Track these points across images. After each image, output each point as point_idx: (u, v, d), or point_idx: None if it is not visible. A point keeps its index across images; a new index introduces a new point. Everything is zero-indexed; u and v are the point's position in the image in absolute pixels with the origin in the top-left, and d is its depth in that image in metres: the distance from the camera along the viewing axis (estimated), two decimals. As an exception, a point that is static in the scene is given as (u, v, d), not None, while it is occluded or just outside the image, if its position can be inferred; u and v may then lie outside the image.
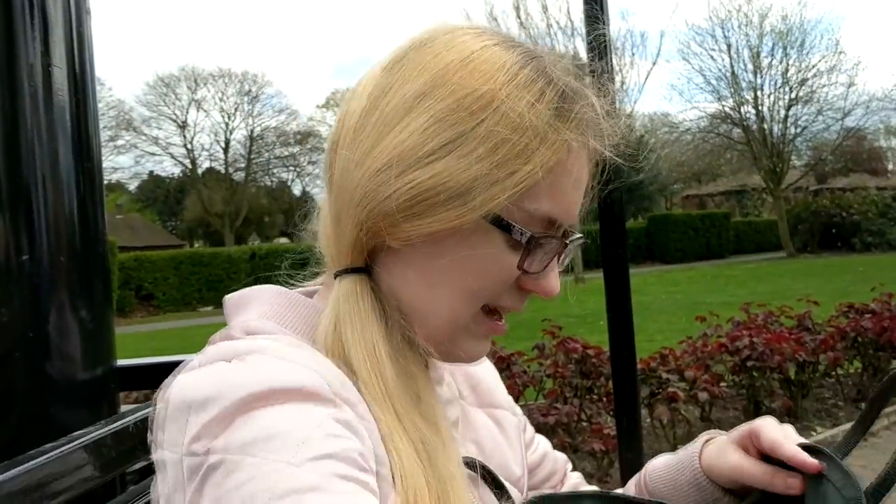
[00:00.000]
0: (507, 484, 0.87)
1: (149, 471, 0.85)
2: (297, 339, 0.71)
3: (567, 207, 0.75)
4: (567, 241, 0.77)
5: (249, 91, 46.76)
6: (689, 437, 4.71)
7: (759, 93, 32.90)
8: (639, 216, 38.44)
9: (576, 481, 1.10)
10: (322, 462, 0.56)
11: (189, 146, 47.01)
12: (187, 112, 46.05)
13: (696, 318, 7.18)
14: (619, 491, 1.08)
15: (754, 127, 32.82)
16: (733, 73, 33.36)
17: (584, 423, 4.88)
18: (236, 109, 47.29)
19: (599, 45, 1.81)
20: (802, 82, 32.69)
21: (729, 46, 33.30)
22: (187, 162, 47.68)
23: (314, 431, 0.58)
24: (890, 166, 48.58)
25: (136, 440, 0.85)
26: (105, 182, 1.14)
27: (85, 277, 1.00)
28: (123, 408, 1.07)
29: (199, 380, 0.61)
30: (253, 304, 0.76)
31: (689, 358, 5.79)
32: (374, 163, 0.72)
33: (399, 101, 0.73)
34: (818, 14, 52.03)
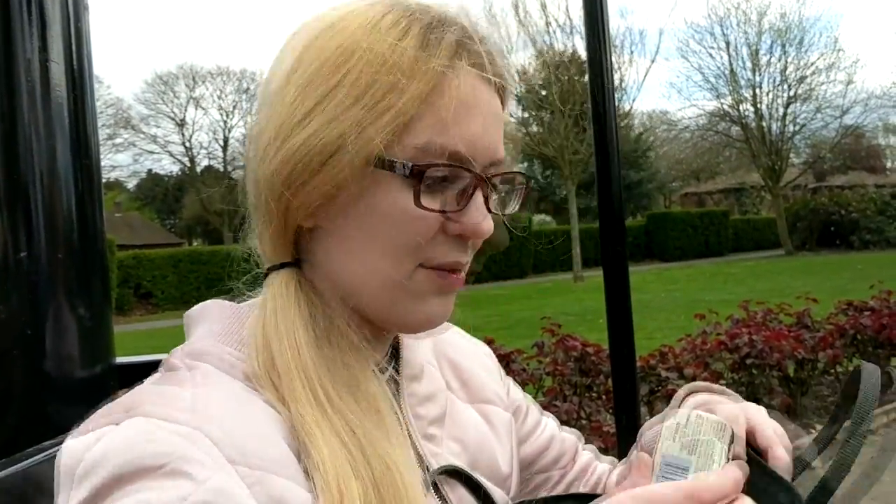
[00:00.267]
0: (488, 484, 0.86)
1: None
2: (234, 356, 0.71)
3: (468, 137, 0.72)
4: (486, 177, 0.74)
5: (248, 89, 46.71)
6: (688, 434, 4.71)
7: (757, 90, 32.92)
8: (638, 214, 38.46)
9: (586, 461, 1.08)
10: None
11: (187, 144, 47.05)
12: (186, 110, 46.05)
13: (695, 316, 7.19)
14: (620, 465, 1.08)
15: (753, 125, 32.83)
16: (732, 70, 33.39)
17: (584, 421, 4.88)
18: (235, 107, 47.31)
19: (598, 43, 1.80)
20: (801, 80, 32.72)
21: (728, 44, 33.33)
22: (186, 160, 47.74)
23: None
24: (888, 164, 48.63)
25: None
26: (104, 180, 1.14)
27: (83, 275, 0.99)
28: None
29: (80, 450, 0.61)
30: (201, 321, 0.76)
31: (689, 356, 5.80)
32: (261, 147, 0.74)
33: (276, 82, 0.75)
34: (817, 12, 52.04)
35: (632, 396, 1.69)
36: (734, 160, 40.54)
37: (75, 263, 0.98)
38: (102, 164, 1.11)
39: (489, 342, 5.64)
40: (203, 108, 54.35)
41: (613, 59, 1.94)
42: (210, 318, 0.76)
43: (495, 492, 0.87)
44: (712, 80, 34.15)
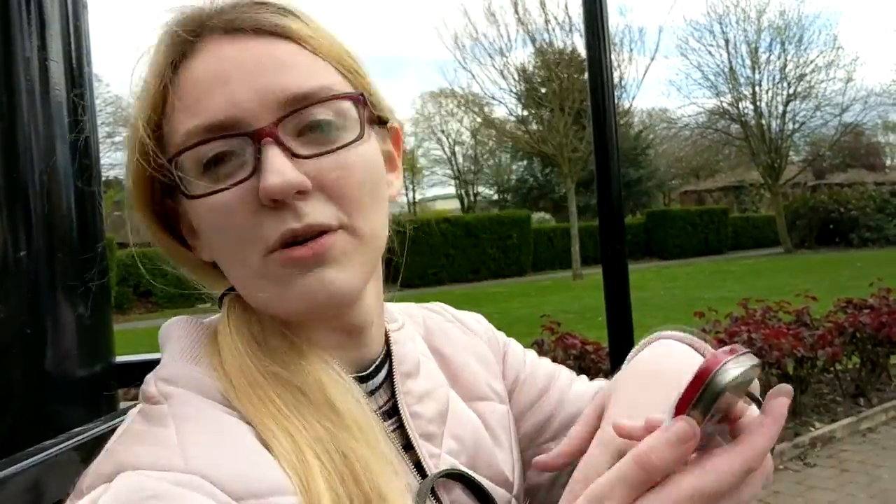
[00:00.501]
0: (489, 484, 0.84)
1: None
2: (205, 375, 0.71)
3: (223, 101, 0.68)
4: (270, 127, 0.68)
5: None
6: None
7: (757, 88, 32.88)
8: (637, 212, 38.46)
9: None
10: None
11: (187, 142, 46.86)
12: (185, 108, 45.86)
13: (694, 314, 7.19)
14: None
15: (752, 123, 32.80)
16: (731, 68, 33.35)
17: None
18: (234, 106, 47.15)
19: (598, 41, 1.80)
20: (800, 78, 32.67)
21: (727, 42, 33.28)
22: (185, 158, 47.56)
23: None
24: (888, 162, 48.64)
25: (135, 437, 0.85)
26: (103, 178, 1.14)
27: (83, 274, 0.99)
28: (122, 404, 1.07)
29: None
30: (168, 341, 0.76)
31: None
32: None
33: None
34: (816, 9, 52.09)
35: (631, 394, 1.69)
36: (733, 158, 40.53)
37: (75, 262, 0.98)
38: (101, 162, 1.11)
39: (489, 340, 5.62)
40: (202, 107, 54.20)
41: (613, 56, 1.94)
42: (176, 337, 0.76)
43: (496, 491, 0.85)
44: (712, 77, 34.13)
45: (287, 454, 0.64)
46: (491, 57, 30.03)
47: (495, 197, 45.66)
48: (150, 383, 0.70)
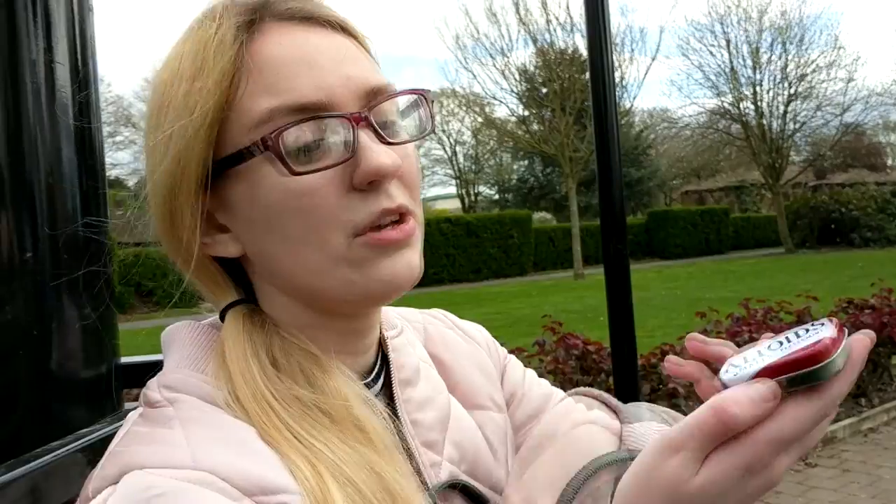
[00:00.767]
0: (490, 493, 0.83)
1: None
2: (211, 384, 0.69)
3: (314, 84, 0.69)
4: (363, 112, 0.70)
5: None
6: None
7: (758, 88, 32.85)
8: (638, 212, 38.44)
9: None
10: None
11: (188, 142, 46.83)
12: (186, 108, 45.85)
13: (696, 314, 7.19)
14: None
15: (753, 123, 32.77)
16: (732, 68, 33.32)
17: (584, 419, 4.88)
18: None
19: (600, 41, 1.81)
20: (801, 78, 32.64)
21: (728, 42, 33.25)
22: (186, 158, 47.52)
23: None
24: (889, 162, 48.56)
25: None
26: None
27: (88, 275, 1.00)
28: (127, 405, 1.08)
29: None
30: (173, 346, 0.75)
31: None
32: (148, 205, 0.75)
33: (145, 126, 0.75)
34: (817, 10, 52.04)
35: (633, 394, 1.70)
36: (734, 158, 40.48)
37: (80, 264, 0.99)
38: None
39: (490, 340, 5.63)
40: (203, 106, 54.15)
41: (614, 57, 1.94)
42: (181, 343, 0.74)
43: (494, 499, 0.84)
44: (713, 77, 34.09)
45: (308, 481, 0.63)
46: (492, 57, 30.06)
47: (496, 197, 45.61)
48: (153, 389, 0.70)
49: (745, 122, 33.05)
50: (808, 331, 0.58)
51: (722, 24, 33.32)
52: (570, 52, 28.34)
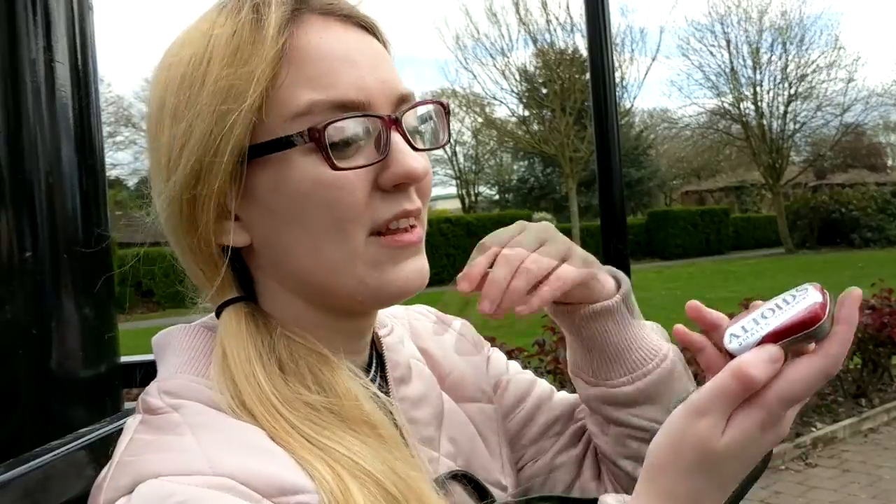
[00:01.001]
0: (487, 486, 0.84)
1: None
2: (213, 388, 0.68)
3: (353, 82, 0.69)
4: (396, 116, 0.71)
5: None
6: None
7: (758, 89, 32.83)
8: (638, 212, 38.44)
9: (582, 425, 1.01)
10: None
11: (188, 142, 46.82)
12: (186, 108, 45.85)
13: (696, 314, 7.17)
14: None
15: (753, 123, 32.75)
16: (732, 69, 33.30)
17: (585, 419, 4.88)
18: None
19: (600, 42, 1.81)
20: (802, 78, 32.62)
21: (728, 42, 33.23)
22: (186, 158, 47.52)
23: None
24: (889, 162, 48.55)
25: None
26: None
27: (88, 274, 1.00)
28: (127, 405, 1.08)
29: None
30: (169, 351, 0.74)
31: (690, 354, 5.78)
32: (154, 188, 0.74)
33: (153, 119, 0.74)
34: (818, 10, 52.04)
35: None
36: (735, 158, 40.46)
37: (80, 263, 0.99)
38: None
39: (490, 340, 5.64)
40: (203, 107, 54.16)
41: (614, 57, 1.94)
42: (177, 347, 0.74)
43: (494, 492, 0.86)
44: (713, 78, 34.07)
45: (325, 481, 0.62)
46: (492, 57, 30.08)
47: (496, 197, 45.60)
48: (153, 395, 0.68)
49: (745, 122, 33.04)
50: (794, 297, 0.66)
51: (722, 24, 33.32)
52: (570, 52, 28.34)
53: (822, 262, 22.88)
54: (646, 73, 39.97)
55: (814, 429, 6.13)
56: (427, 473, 0.71)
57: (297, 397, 0.68)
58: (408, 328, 0.96)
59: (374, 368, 0.82)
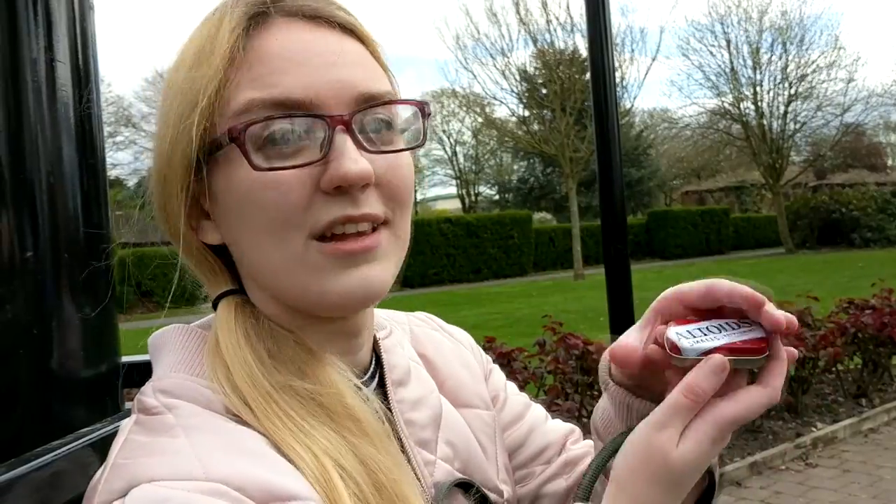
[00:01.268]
0: (486, 492, 0.84)
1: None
2: (209, 388, 0.68)
3: (302, 81, 0.68)
4: (347, 117, 0.69)
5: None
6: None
7: (758, 89, 32.86)
8: (638, 212, 38.45)
9: (575, 455, 1.01)
10: None
11: (188, 142, 46.84)
12: (186, 108, 45.85)
13: (696, 314, 7.17)
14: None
15: (754, 123, 32.78)
16: (733, 69, 33.34)
17: (585, 420, 4.88)
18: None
19: (600, 42, 1.81)
20: (802, 78, 32.65)
21: (728, 42, 33.28)
22: (186, 158, 47.55)
23: None
24: (889, 162, 48.53)
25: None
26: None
27: (89, 274, 1.00)
28: (128, 405, 1.07)
29: None
30: (164, 351, 0.74)
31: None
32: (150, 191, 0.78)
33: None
34: (818, 10, 52.05)
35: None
36: (735, 158, 40.49)
37: (81, 263, 0.99)
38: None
39: (490, 341, 5.65)
40: (204, 107, 54.18)
41: (614, 57, 1.94)
42: (172, 347, 0.74)
43: (492, 496, 0.86)
44: (713, 78, 34.13)
45: (311, 469, 0.63)
46: (492, 57, 30.07)
47: (496, 197, 45.63)
48: (149, 394, 0.69)
49: (745, 122, 33.07)
50: (739, 325, 0.73)
51: (722, 24, 33.36)
52: (570, 52, 28.34)
53: (822, 262, 22.88)
54: (646, 73, 40.01)
55: (814, 429, 6.13)
56: (408, 470, 0.72)
57: (286, 382, 0.69)
58: (408, 333, 0.96)
59: (371, 369, 0.82)
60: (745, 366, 0.71)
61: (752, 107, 33.04)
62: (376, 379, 0.82)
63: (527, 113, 31.08)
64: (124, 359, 1.09)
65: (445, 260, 25.97)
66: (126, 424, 0.68)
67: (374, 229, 0.71)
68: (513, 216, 29.11)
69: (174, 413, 0.66)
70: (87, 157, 1.02)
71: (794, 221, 31.31)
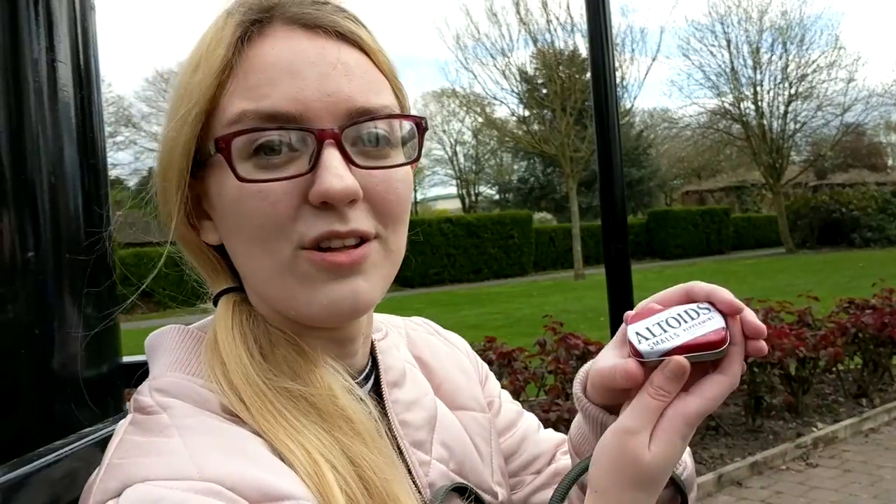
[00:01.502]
0: (481, 494, 0.85)
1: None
2: (205, 387, 0.69)
3: (292, 94, 0.68)
4: (338, 131, 0.68)
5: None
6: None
7: (758, 89, 32.87)
8: (639, 212, 38.44)
9: (566, 464, 1.00)
10: None
11: (188, 142, 46.86)
12: (186, 108, 45.85)
13: (696, 314, 7.16)
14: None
15: (754, 123, 32.79)
16: (733, 69, 33.35)
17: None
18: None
19: (601, 42, 1.80)
20: (802, 78, 32.65)
21: (728, 42, 33.27)
22: (187, 158, 47.56)
23: None
24: (889, 162, 48.54)
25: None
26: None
27: (90, 274, 1.00)
28: (129, 405, 1.07)
29: None
30: (161, 351, 0.74)
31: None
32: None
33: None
34: (818, 10, 52.03)
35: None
36: (735, 158, 40.49)
37: (82, 262, 0.99)
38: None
39: (491, 341, 5.65)
40: (204, 107, 54.16)
41: (615, 57, 1.94)
42: (169, 347, 0.74)
43: (486, 498, 0.86)
44: (713, 78, 34.13)
45: (304, 466, 0.63)
46: (493, 57, 30.06)
47: (497, 197, 45.65)
48: (145, 393, 0.69)
49: (745, 122, 33.07)
50: (698, 314, 0.74)
51: (722, 24, 33.36)
52: (570, 52, 28.34)
53: (822, 262, 22.88)
54: (646, 73, 40.02)
55: (815, 429, 6.14)
56: (401, 470, 0.72)
57: (278, 382, 0.69)
58: (404, 336, 0.97)
59: (367, 371, 0.82)
60: (706, 359, 0.73)
61: (753, 107, 33.05)
62: (371, 380, 0.82)
63: (527, 113, 31.09)
64: (125, 359, 1.10)
65: (446, 260, 25.97)
66: (122, 424, 0.69)
67: (362, 243, 0.71)
68: (513, 216, 29.12)
69: (169, 413, 0.66)
70: (88, 158, 1.03)
71: (795, 221, 31.31)
